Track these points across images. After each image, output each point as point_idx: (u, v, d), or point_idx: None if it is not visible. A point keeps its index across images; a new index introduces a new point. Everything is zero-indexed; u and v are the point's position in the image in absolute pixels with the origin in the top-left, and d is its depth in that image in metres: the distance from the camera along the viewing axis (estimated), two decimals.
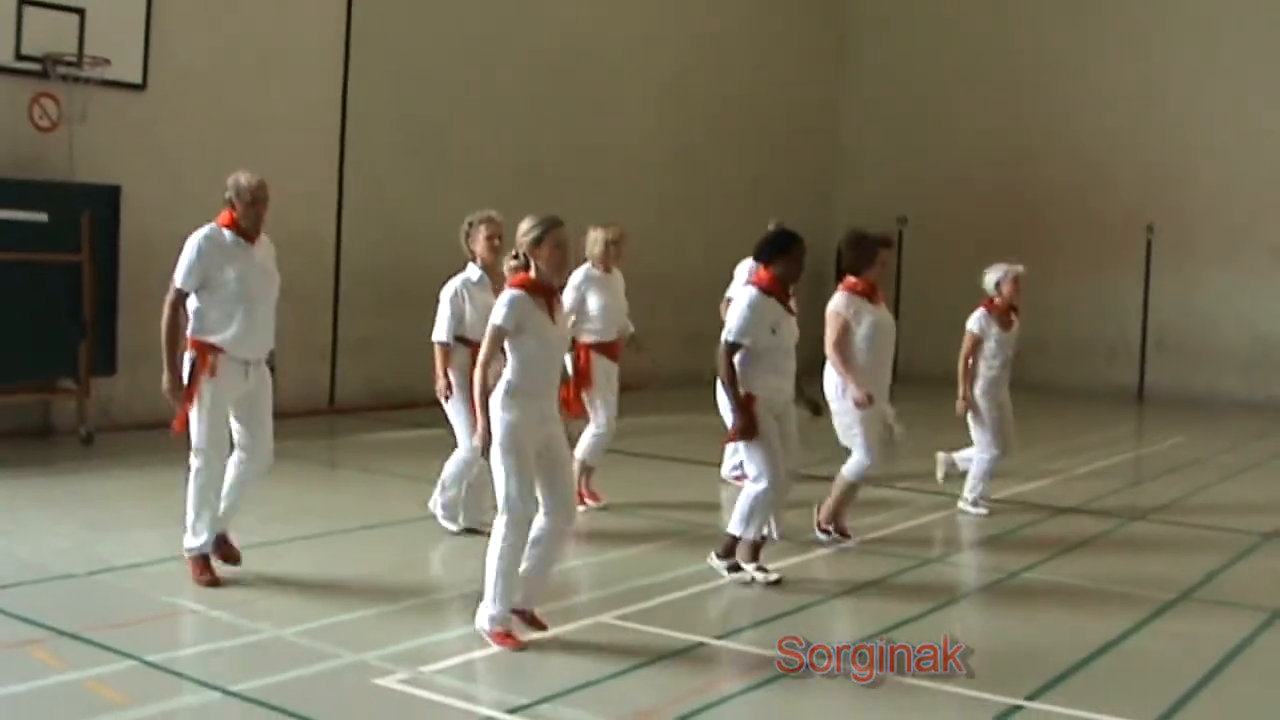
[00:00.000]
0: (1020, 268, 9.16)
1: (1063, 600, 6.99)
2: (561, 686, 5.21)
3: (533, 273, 5.69)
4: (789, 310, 6.90)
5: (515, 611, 5.78)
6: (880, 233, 8.34)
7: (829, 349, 7.81)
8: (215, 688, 5.04)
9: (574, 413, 8.67)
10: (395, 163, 14.22)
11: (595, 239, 8.88)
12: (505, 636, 5.67)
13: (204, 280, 6.47)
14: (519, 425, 5.57)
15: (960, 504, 9.22)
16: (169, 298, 6.50)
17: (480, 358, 5.62)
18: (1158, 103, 18.31)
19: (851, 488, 7.99)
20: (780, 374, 6.88)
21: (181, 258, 6.49)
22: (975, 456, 9.22)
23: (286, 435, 11.86)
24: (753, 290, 6.88)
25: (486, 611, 5.71)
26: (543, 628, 5.85)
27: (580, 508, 8.77)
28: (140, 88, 11.76)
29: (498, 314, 5.61)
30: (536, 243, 5.66)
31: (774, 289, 6.87)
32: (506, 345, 5.65)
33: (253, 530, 7.52)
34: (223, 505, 6.68)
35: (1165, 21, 18.32)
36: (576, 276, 8.73)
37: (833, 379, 7.88)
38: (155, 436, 11.17)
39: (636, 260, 8.96)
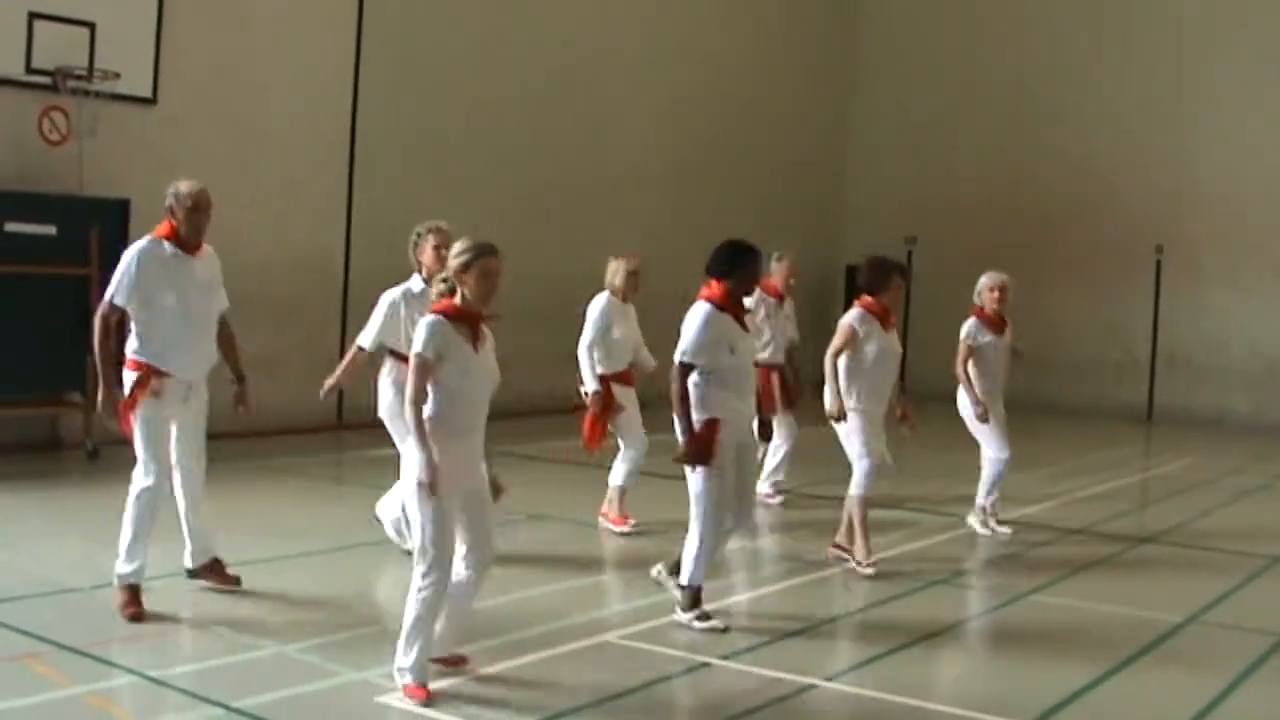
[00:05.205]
0: (1004, 276, 9.15)
1: (1070, 623, 6.96)
2: (569, 704, 5.19)
3: (458, 299, 5.27)
4: (744, 328, 6.52)
5: (435, 660, 5.36)
6: (898, 261, 8.30)
7: (827, 357, 7.74)
8: (217, 704, 5.02)
9: (593, 446, 8.65)
10: (405, 179, 14.22)
11: (616, 269, 8.76)
12: (419, 689, 5.15)
13: (142, 298, 6.23)
14: (441, 467, 5.07)
15: (970, 519, 9.17)
16: (100, 311, 6.26)
17: (409, 394, 5.11)
18: (1165, 123, 18.33)
19: (865, 503, 7.88)
20: (741, 395, 6.42)
21: (117, 271, 6.26)
22: (986, 462, 9.12)
23: (293, 451, 11.99)
24: (706, 306, 6.38)
25: (401, 663, 5.21)
26: (464, 661, 5.55)
27: (621, 528, 8.73)
28: (150, 102, 11.80)
29: (417, 341, 5.16)
30: (464, 268, 5.23)
31: (728, 305, 6.41)
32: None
33: (256, 546, 7.54)
34: (191, 535, 6.66)
35: (1171, 43, 18.34)
36: (598, 307, 8.67)
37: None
38: None
39: (640, 283, 8.92)
